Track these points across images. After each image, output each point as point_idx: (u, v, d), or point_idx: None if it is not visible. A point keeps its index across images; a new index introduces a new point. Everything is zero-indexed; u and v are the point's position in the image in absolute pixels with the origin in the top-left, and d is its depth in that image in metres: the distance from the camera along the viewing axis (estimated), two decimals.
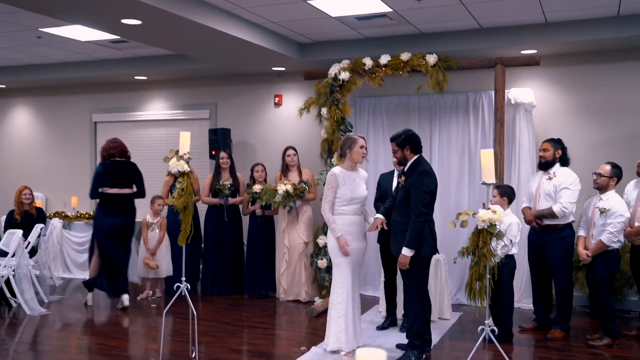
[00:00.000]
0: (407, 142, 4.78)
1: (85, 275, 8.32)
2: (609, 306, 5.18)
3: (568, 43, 6.29)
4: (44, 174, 9.48)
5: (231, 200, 7.25)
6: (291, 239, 6.94)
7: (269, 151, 8.08)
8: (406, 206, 4.69)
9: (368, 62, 6.58)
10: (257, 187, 7.10)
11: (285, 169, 7.10)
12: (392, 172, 5.86)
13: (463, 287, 6.87)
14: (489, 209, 3.71)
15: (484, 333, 3.75)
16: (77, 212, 8.65)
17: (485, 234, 3.69)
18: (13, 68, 8.79)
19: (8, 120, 9.92)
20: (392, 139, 4.88)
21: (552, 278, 5.64)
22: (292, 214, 6.91)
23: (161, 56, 7.85)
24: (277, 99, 8.17)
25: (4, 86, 9.42)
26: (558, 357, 4.98)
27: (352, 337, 4.84)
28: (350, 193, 4.86)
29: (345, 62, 6.72)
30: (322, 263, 6.64)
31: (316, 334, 5.51)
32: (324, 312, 5.92)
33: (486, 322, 3.79)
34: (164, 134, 8.83)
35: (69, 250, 8.47)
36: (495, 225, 3.69)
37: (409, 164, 4.79)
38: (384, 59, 6.51)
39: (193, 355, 4.73)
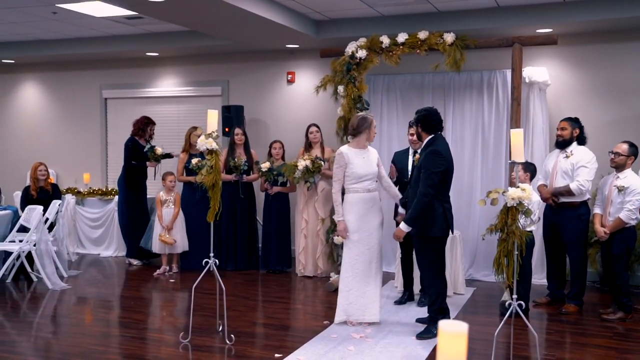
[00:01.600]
0: (420, 120, 4.86)
1: (99, 250, 8.45)
2: (624, 281, 5.32)
3: (585, 22, 6.32)
4: (54, 150, 9.48)
5: (246, 178, 7.32)
6: (309, 215, 7.03)
7: (282, 128, 8.12)
8: (419, 185, 4.77)
9: (385, 40, 6.58)
10: (265, 165, 7.17)
11: (308, 146, 7.17)
12: (407, 149, 5.92)
13: (475, 263, 7.02)
14: (518, 187, 3.80)
15: (512, 308, 3.86)
16: (90, 188, 8.69)
17: (514, 212, 3.78)
18: (23, 43, 8.73)
19: (18, 95, 9.88)
20: (416, 112, 4.99)
21: (566, 254, 5.77)
22: (310, 190, 6.99)
23: (173, 32, 7.83)
24: (289, 76, 8.19)
25: (12, 61, 9.38)
26: (573, 330, 5.13)
27: (359, 309, 5.03)
28: (359, 170, 4.97)
29: (362, 40, 6.72)
30: (337, 239, 6.73)
31: (334, 308, 5.60)
32: None
33: (513, 296, 3.90)
34: (175, 111, 8.85)
35: (82, 226, 8.53)
36: (524, 202, 3.78)
37: (424, 143, 4.86)
38: (402, 37, 6.51)
39: (220, 329, 4.84)
